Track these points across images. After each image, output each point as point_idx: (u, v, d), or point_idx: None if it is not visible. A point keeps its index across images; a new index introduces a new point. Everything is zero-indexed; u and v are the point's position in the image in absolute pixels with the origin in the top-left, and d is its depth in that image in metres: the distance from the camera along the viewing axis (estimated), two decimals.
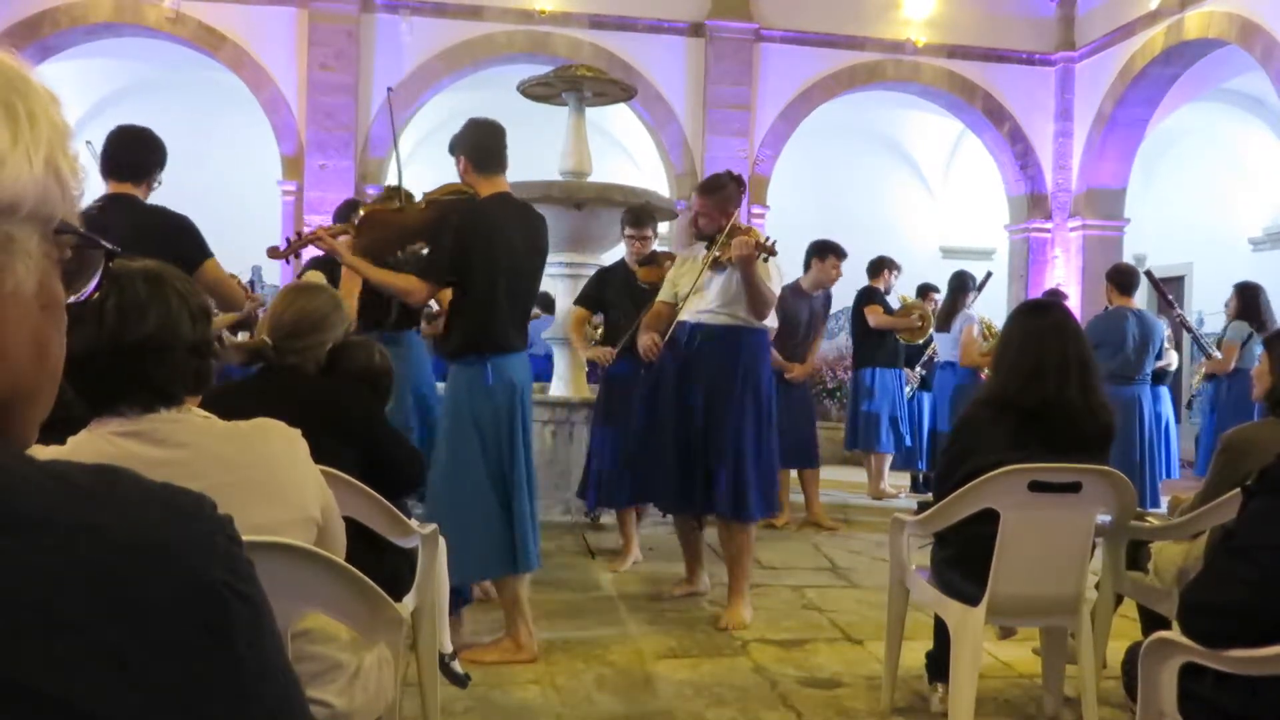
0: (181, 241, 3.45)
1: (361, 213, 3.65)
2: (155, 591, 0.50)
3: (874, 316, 7.15)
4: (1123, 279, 6.44)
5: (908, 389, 7.61)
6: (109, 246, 0.67)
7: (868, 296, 7.26)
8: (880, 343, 7.24)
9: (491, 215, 3.50)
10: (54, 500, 0.51)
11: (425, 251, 3.79)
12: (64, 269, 0.63)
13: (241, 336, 4.30)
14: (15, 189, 0.56)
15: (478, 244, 3.42)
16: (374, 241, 3.60)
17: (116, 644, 0.48)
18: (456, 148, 3.59)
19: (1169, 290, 7.63)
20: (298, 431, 1.66)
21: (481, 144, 3.55)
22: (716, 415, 3.94)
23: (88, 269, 0.66)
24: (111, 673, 0.47)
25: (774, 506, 4.30)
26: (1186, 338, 10.07)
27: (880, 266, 7.37)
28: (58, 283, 0.62)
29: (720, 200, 4.02)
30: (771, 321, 4.08)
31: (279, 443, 1.63)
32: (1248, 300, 6.60)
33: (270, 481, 1.59)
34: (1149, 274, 7.34)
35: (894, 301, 7.68)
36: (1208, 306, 11.91)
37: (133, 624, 0.49)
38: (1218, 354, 6.76)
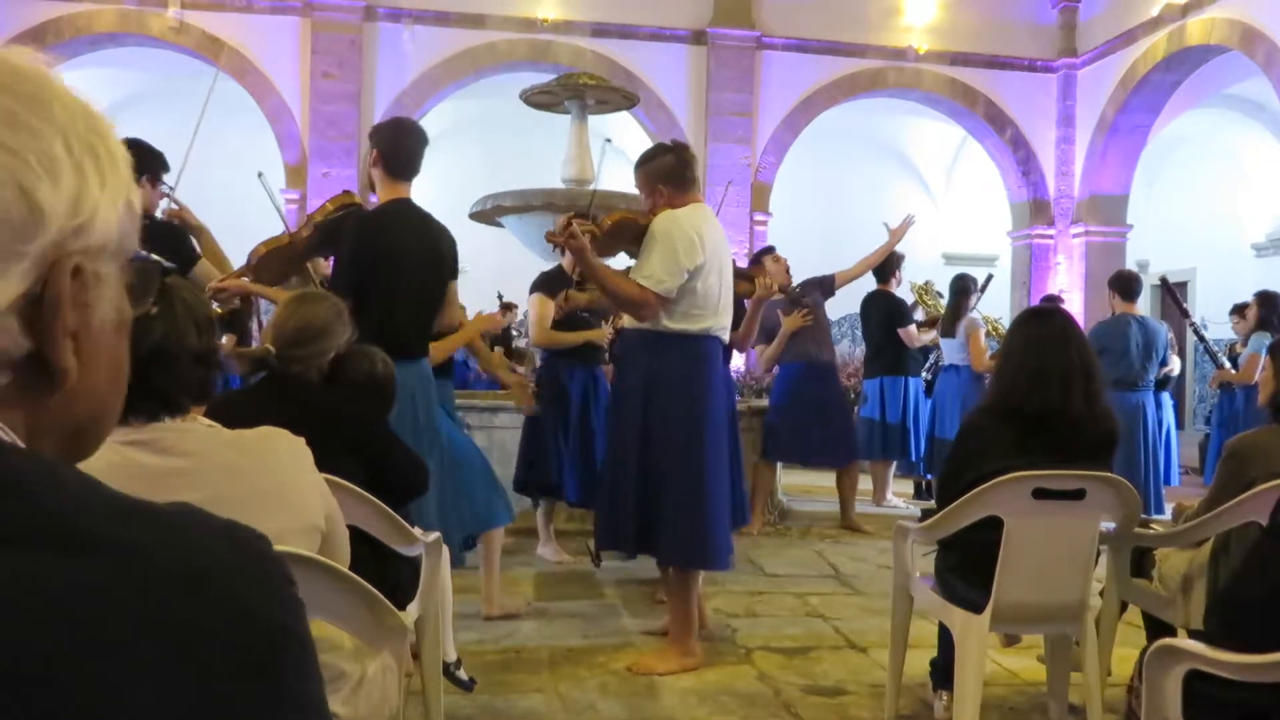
0: (176, 246, 3.54)
1: (253, 258, 3.76)
2: (207, 621, 0.51)
3: (909, 337, 7.03)
4: (1125, 285, 6.43)
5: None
6: (167, 264, 0.71)
7: (895, 312, 7.05)
8: (906, 351, 7.11)
9: (382, 223, 3.49)
10: (115, 522, 0.52)
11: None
12: (128, 288, 0.67)
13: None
14: (106, 231, 0.60)
15: (370, 253, 3.42)
16: (274, 276, 3.76)
17: (161, 671, 0.48)
18: (372, 136, 3.60)
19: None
20: (302, 440, 1.67)
21: (399, 145, 3.52)
22: (623, 439, 3.50)
23: (149, 285, 0.70)
24: (152, 699, 0.48)
25: (696, 558, 3.53)
26: (1190, 344, 10.06)
27: (891, 267, 7.06)
28: (126, 304, 0.66)
29: (648, 172, 3.53)
30: (709, 322, 3.46)
31: (284, 452, 1.64)
32: (1268, 309, 6.52)
33: (275, 490, 1.59)
34: (1164, 282, 7.30)
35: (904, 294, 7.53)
36: (1211, 313, 11.92)
37: (180, 652, 0.49)
38: (1227, 363, 6.73)
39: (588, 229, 3.41)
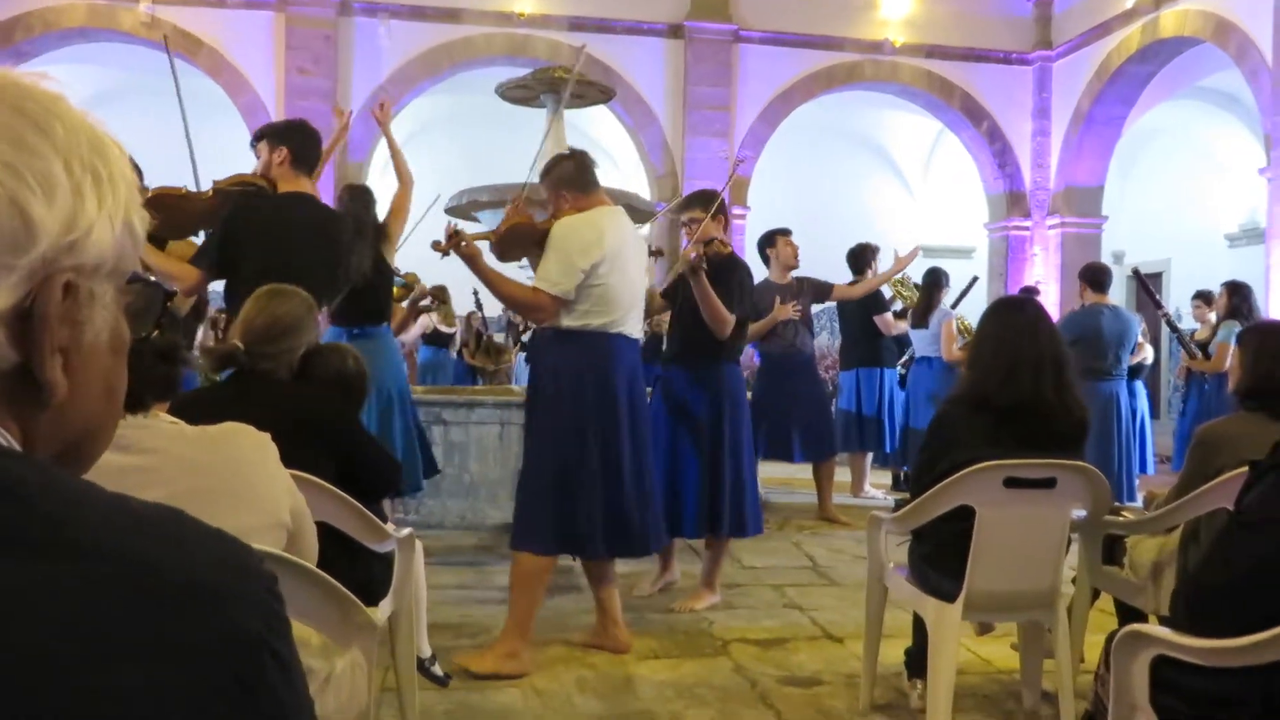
0: None
1: (149, 193, 3.50)
2: (197, 635, 0.52)
3: (884, 324, 7.05)
4: (1095, 276, 6.48)
5: None
6: (168, 288, 0.72)
7: (871, 303, 7.04)
8: (881, 343, 7.13)
9: (270, 210, 3.45)
10: (110, 530, 0.53)
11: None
12: (128, 310, 0.68)
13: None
14: (100, 251, 0.61)
15: (248, 237, 3.37)
16: (159, 226, 3.50)
17: (148, 680, 0.49)
18: (276, 138, 3.59)
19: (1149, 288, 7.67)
20: (267, 436, 1.66)
21: (309, 142, 3.59)
22: (539, 436, 3.53)
23: (150, 308, 0.72)
24: (135, 708, 0.49)
25: (531, 544, 3.41)
26: (1164, 334, 10.14)
27: (867, 258, 6.97)
28: (125, 325, 0.67)
29: (551, 181, 3.59)
30: (611, 317, 3.43)
31: (248, 447, 1.63)
32: (1238, 299, 6.58)
33: (240, 486, 1.58)
34: (1136, 273, 7.36)
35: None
36: (1186, 303, 12.04)
37: (167, 663, 0.50)
38: (1199, 353, 6.79)
39: (484, 236, 3.51)
